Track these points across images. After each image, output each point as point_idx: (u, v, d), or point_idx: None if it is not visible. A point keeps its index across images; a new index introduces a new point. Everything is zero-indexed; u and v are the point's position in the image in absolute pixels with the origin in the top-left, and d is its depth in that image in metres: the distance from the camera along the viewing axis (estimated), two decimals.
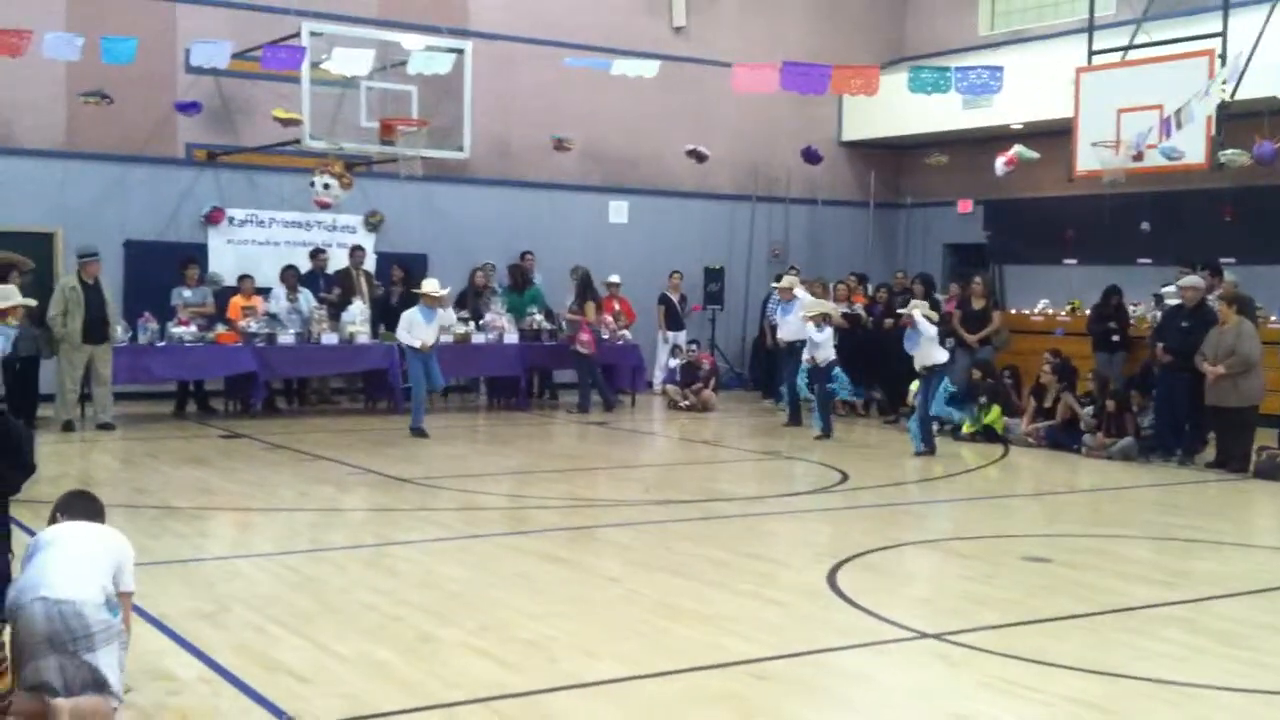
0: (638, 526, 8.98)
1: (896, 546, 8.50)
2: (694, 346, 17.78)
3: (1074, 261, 19.13)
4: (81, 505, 5.23)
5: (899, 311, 14.35)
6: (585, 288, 16.44)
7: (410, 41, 15.37)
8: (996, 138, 18.41)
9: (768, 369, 17.96)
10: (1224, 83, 13.53)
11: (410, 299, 14.61)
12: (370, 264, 17.07)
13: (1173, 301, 13.68)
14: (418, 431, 13.31)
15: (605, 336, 16.85)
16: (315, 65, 14.37)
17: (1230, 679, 5.62)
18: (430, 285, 13.64)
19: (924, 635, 6.21)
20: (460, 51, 15.81)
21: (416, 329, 13.34)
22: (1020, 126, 18.37)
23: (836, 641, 6.13)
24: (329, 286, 16.14)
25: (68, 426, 13.01)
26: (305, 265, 16.42)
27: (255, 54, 14.30)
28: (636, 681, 5.46)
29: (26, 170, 15.54)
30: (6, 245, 13.34)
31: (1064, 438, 13.34)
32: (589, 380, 16.24)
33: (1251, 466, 11.92)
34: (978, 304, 15.38)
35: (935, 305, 14.12)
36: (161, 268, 15.45)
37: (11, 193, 15.29)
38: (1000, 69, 12.88)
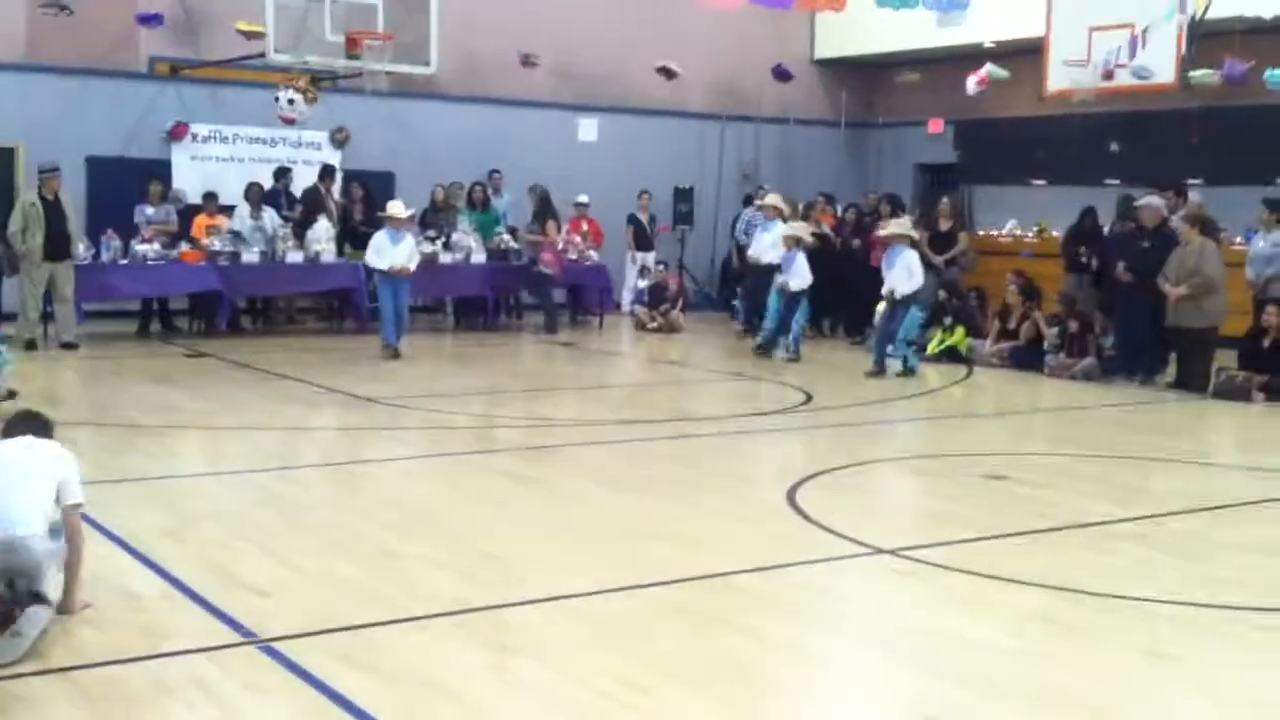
0: (604, 445, 9.02)
1: (858, 465, 8.57)
2: (662, 267, 17.75)
3: (1043, 182, 19.15)
4: (26, 425, 5.17)
5: (880, 233, 14.32)
6: (545, 206, 16.29)
7: None
8: (969, 56, 18.29)
9: (736, 290, 17.96)
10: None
11: (373, 219, 14.49)
12: (338, 184, 16.87)
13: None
14: (389, 349, 13.19)
15: (573, 257, 16.79)
16: None
17: (1184, 593, 5.73)
18: (395, 207, 13.47)
19: (880, 551, 6.30)
20: None
21: (385, 252, 13.23)
22: (993, 45, 18.24)
23: (797, 557, 6.20)
24: (292, 204, 15.98)
25: (30, 345, 12.89)
26: (271, 181, 16.24)
27: None
28: (600, 595, 5.51)
29: None
30: None
31: (1028, 358, 13.44)
32: (553, 300, 16.14)
33: (1211, 386, 12.05)
34: (944, 225, 15.37)
35: None
36: (124, 185, 15.27)
37: None
38: None
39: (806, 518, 6.95)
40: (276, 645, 4.75)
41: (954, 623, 5.27)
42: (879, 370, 12.81)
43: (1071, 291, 14.19)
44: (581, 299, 17.32)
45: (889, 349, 13.03)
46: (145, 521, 6.42)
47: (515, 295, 17.51)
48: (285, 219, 15.58)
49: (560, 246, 16.36)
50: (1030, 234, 18.37)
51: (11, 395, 9.44)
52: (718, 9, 16.94)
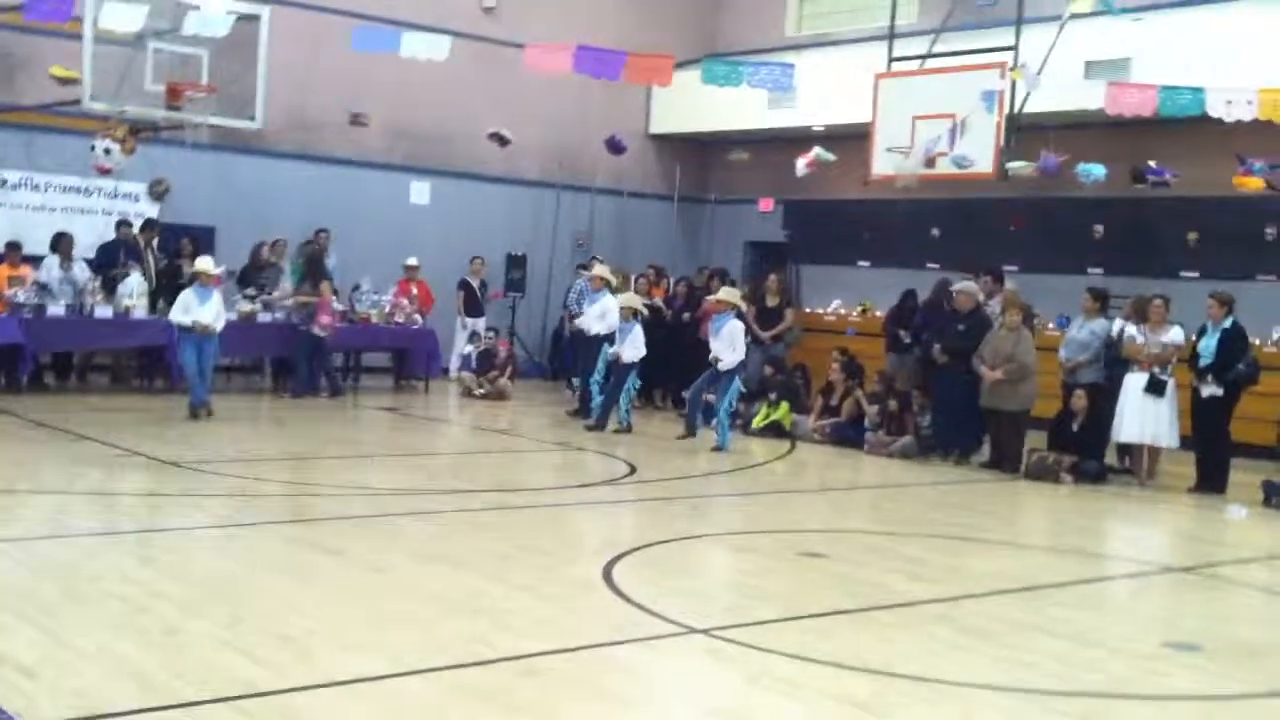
0: (419, 516, 8.75)
1: (676, 540, 8.46)
2: (491, 334, 17.54)
3: (867, 263, 19.59)
4: None
5: (710, 297, 14.39)
6: (316, 266, 15.92)
7: (206, 3, 14.67)
8: (799, 139, 18.68)
9: (567, 358, 17.85)
10: (1015, 79, 13.92)
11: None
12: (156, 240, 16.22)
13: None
14: (197, 406, 12.69)
15: (399, 320, 16.49)
16: (78, 20, 13.49)
17: (989, 676, 5.73)
18: (204, 263, 13.08)
19: (694, 630, 6.17)
20: (255, 18, 15.21)
21: (191, 309, 12.76)
22: (822, 129, 18.69)
23: (607, 636, 6.03)
24: (127, 259, 15.28)
25: None
26: (82, 232, 15.54)
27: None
28: (397, 679, 5.24)
29: None
30: None
31: (850, 434, 13.61)
32: (320, 363, 15.52)
33: (1024, 467, 12.34)
34: (772, 301, 15.56)
35: None
36: None
37: None
38: (792, 66, 13.08)
39: (621, 594, 6.79)
40: None
41: (763, 706, 5.16)
42: (690, 433, 12.98)
43: (891, 370, 14.46)
44: (407, 363, 16.98)
45: (713, 422, 13.06)
46: None
47: (356, 357, 17.06)
48: (125, 273, 14.89)
49: (338, 307, 15.91)
50: (855, 313, 18.75)
51: None
52: (553, 77, 16.91)
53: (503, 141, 18.65)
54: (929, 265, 17.98)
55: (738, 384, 13.04)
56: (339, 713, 4.85)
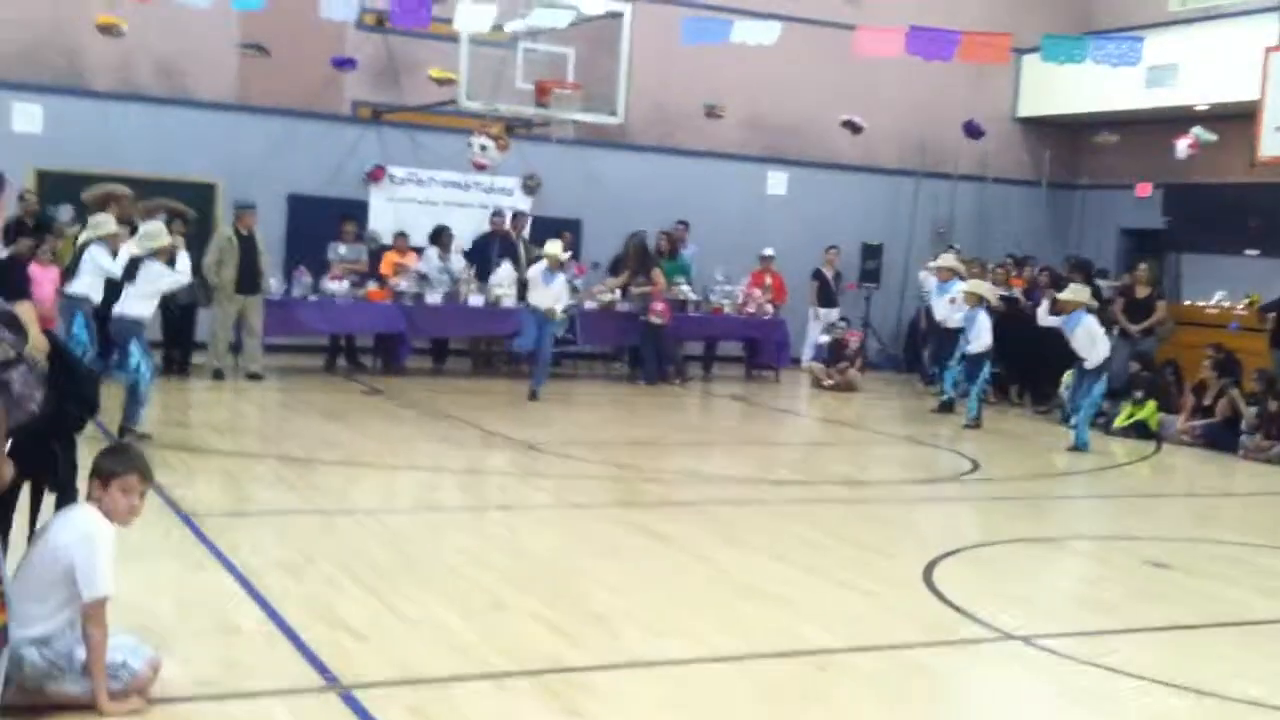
0: (746, 505, 8.83)
1: (1010, 542, 8.14)
2: (843, 324, 17.41)
3: (1256, 252, 18.08)
4: (101, 466, 4.52)
5: (1057, 297, 13.73)
6: (644, 255, 16.07)
7: (578, 3, 15.22)
8: (1180, 119, 17.48)
9: (922, 351, 17.51)
10: None
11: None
12: (528, 229, 17.10)
13: None
14: (531, 395, 13.34)
15: (751, 310, 16.66)
16: (445, 22, 14.31)
17: None
18: (552, 247, 13.58)
19: (1009, 636, 5.92)
20: (618, 15, 15.71)
21: (537, 290, 13.37)
22: (1205, 107, 17.40)
23: (915, 637, 5.88)
24: (504, 253, 16.20)
25: (218, 375, 13.44)
26: (461, 225, 16.60)
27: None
28: (697, 665, 5.33)
29: (196, 121, 16.03)
30: (171, 194, 13.86)
31: (1223, 437, 12.63)
32: (660, 350, 15.72)
33: None
34: (1141, 292, 14.63)
35: (1097, 293, 13.49)
36: (323, 223, 15.79)
37: (180, 143, 15.81)
38: (1141, 40, 12.21)
39: (939, 595, 6.60)
40: (356, 693, 4.72)
41: None
42: (1080, 446, 12.16)
43: (1273, 370, 13.31)
44: (758, 353, 17.13)
45: (1071, 420, 12.44)
46: (266, 555, 6.54)
47: (711, 346, 17.44)
48: (499, 264, 15.80)
49: (693, 296, 16.16)
50: (1240, 306, 17.35)
51: (143, 437, 9.65)
52: (912, 62, 16.52)
53: (855, 129, 18.44)
54: None
55: (1103, 383, 12.29)
56: (634, 693, 4.98)
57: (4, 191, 10.18)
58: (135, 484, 4.46)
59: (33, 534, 4.52)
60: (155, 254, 9.56)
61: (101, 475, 4.43)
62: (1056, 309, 12.93)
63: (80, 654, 4.29)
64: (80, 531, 4.33)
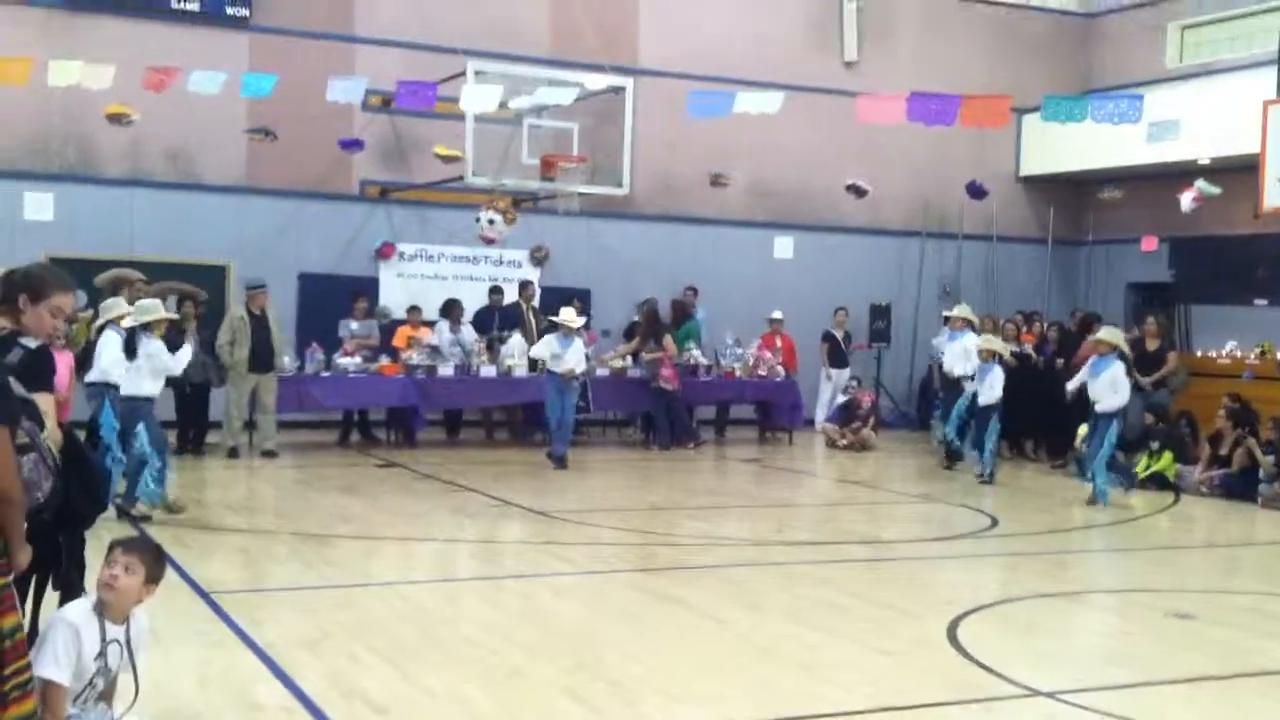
0: (763, 567, 8.79)
1: (1033, 598, 8.08)
2: (854, 384, 17.44)
3: (1264, 302, 18.10)
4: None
5: (1092, 338, 13.66)
6: (655, 322, 16.15)
7: (582, 79, 15.43)
8: (1182, 173, 17.60)
9: (933, 408, 17.46)
10: None
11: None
12: (536, 299, 17.20)
13: None
14: (556, 460, 13.38)
15: (763, 373, 16.71)
16: (451, 100, 14.51)
17: None
18: (566, 314, 13.74)
19: (1038, 693, 5.86)
20: (621, 89, 15.93)
21: (554, 358, 13.48)
22: (1207, 161, 17.52)
23: (941, 696, 5.82)
24: (505, 325, 16.33)
25: (233, 453, 13.48)
26: (471, 299, 16.72)
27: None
28: None
29: (206, 204, 16.25)
30: (183, 276, 14.00)
31: (1241, 487, 12.56)
32: (672, 415, 15.81)
33: None
34: (1151, 344, 14.62)
35: None
36: (334, 300, 15.95)
37: (192, 226, 16.01)
38: (1140, 98, 12.30)
39: (963, 652, 6.55)
40: None
41: None
42: (1127, 483, 12.30)
43: None
44: (770, 415, 17.15)
45: (1088, 474, 12.37)
46: (286, 630, 6.52)
47: (724, 410, 17.51)
48: (498, 337, 15.92)
49: (704, 361, 16.36)
50: (1252, 355, 17.33)
51: (177, 509, 9.73)
52: (914, 126, 16.68)
53: (860, 193, 18.59)
54: None
55: (1115, 428, 12.22)
56: None
57: None
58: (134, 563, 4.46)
59: (33, 628, 4.50)
60: (150, 328, 9.64)
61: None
62: (1084, 353, 12.87)
63: None
64: (57, 614, 4.39)
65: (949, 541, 10.15)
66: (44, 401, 4.47)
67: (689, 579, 8.41)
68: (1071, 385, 12.55)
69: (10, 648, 3.87)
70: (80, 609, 4.38)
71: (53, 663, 4.24)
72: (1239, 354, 17.58)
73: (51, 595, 4.66)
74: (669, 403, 15.74)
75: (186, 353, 10.12)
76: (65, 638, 4.28)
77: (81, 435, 6.41)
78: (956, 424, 13.80)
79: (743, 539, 10.07)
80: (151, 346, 9.63)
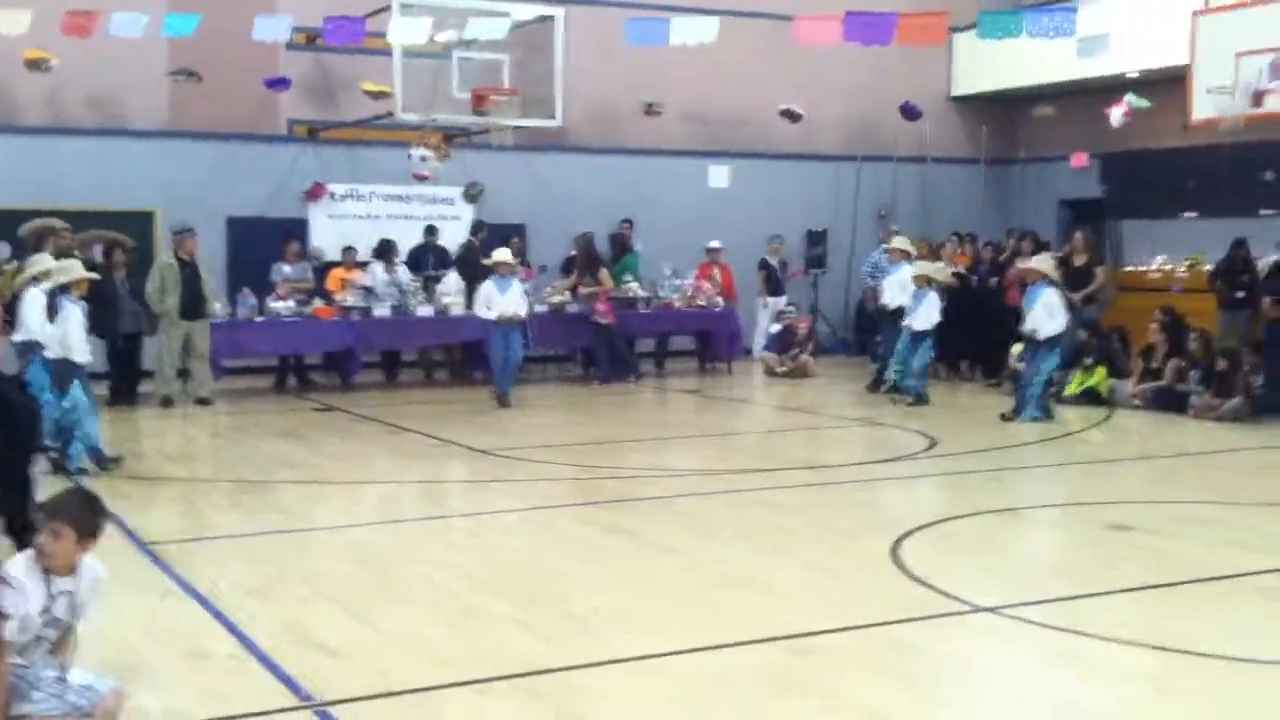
0: (710, 496, 8.83)
1: (973, 515, 8.20)
2: (791, 310, 17.49)
3: (1194, 214, 18.33)
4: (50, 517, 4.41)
5: (1021, 265, 13.80)
6: (590, 255, 16.13)
7: (511, 9, 15.12)
8: (1112, 88, 17.69)
9: (870, 331, 17.58)
10: None
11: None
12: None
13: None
14: (500, 398, 13.35)
15: (702, 303, 16.72)
16: (379, 36, 14.25)
17: None
18: (502, 254, 13.61)
19: (981, 609, 5.96)
20: (549, 18, 15.70)
21: (494, 301, 13.37)
22: (1136, 75, 17.61)
23: (891, 614, 5.89)
24: (442, 262, 16.19)
25: (166, 402, 13.28)
26: (404, 238, 16.53)
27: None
28: (678, 656, 5.32)
29: (130, 150, 15.85)
30: (109, 225, 13.73)
31: (1172, 400, 12.78)
32: (611, 350, 15.80)
33: None
34: (1079, 260, 14.71)
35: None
36: (264, 244, 15.67)
37: (116, 172, 15.61)
38: (1074, 10, 12.34)
39: (907, 572, 6.64)
40: (332, 710, 4.69)
41: (1050, 687, 4.95)
42: (1047, 416, 12.28)
43: (1224, 326, 13.49)
44: (710, 345, 17.18)
45: (1028, 394, 12.52)
46: (231, 578, 6.47)
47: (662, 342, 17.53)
48: (433, 276, 15.79)
49: (642, 294, 16.37)
50: (1182, 268, 17.58)
51: (116, 461, 9.58)
52: (846, 48, 16.59)
53: (794, 118, 18.52)
54: (1262, 212, 16.66)
55: (1055, 357, 12.39)
56: (620, 689, 4.97)
57: None
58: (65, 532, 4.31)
59: None
60: (69, 289, 9.42)
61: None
62: (1012, 277, 12.95)
63: (45, 674, 4.22)
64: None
65: (890, 464, 10.25)
66: None
67: (637, 510, 8.44)
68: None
69: None
70: (21, 564, 4.30)
71: None
72: (1169, 267, 17.83)
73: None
74: (609, 336, 15.71)
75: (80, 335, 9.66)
76: (7, 595, 4.20)
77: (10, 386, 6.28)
78: (902, 360, 13.83)
79: (689, 469, 10.11)
80: (69, 310, 9.38)
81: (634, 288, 16.56)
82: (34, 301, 9.50)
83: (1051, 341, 12.28)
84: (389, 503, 9.03)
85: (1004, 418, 12.29)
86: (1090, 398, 13.41)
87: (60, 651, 4.33)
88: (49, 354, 9.37)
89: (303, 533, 7.79)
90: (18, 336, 9.67)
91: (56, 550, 4.29)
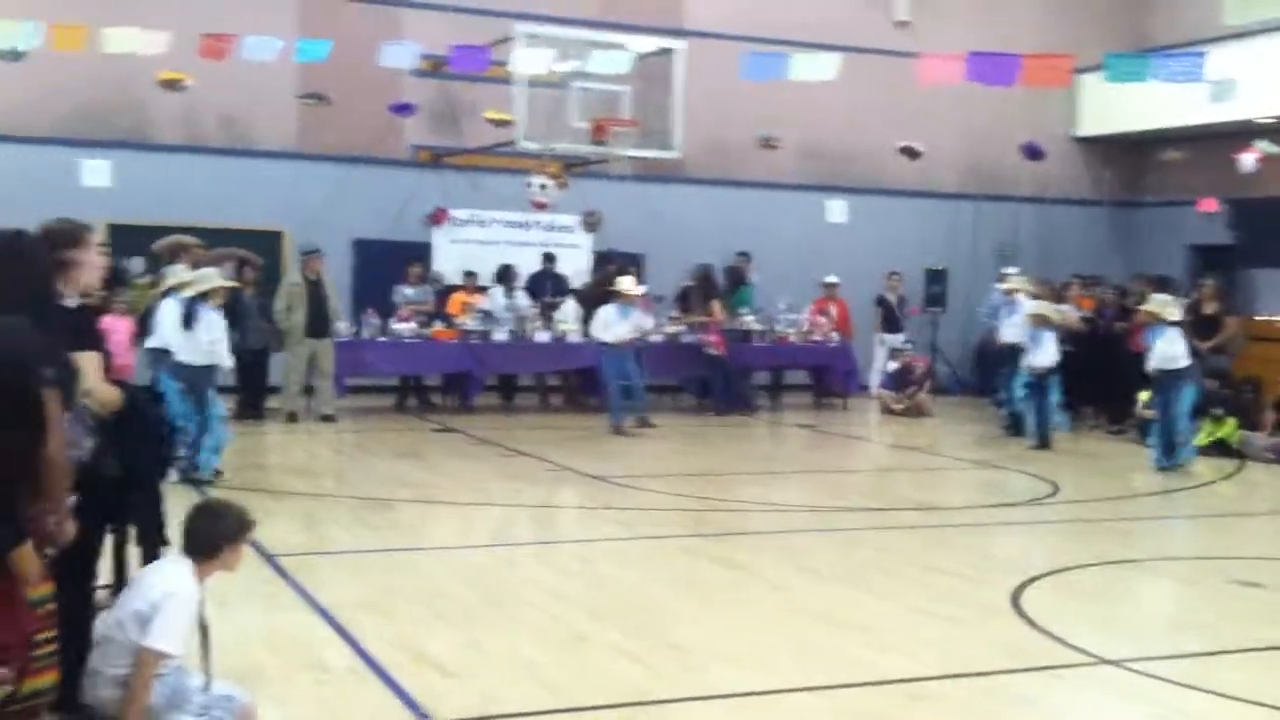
0: (821, 533, 8.76)
1: (1097, 565, 8.00)
2: (908, 348, 17.30)
3: None
4: (190, 527, 4.45)
5: (1138, 308, 13.48)
6: (707, 286, 16.08)
7: (630, 42, 15.31)
8: (1240, 133, 17.27)
9: (990, 373, 17.28)
10: None
11: None
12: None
13: None
14: (616, 429, 13.42)
15: (818, 338, 16.63)
16: (501, 64, 14.47)
17: None
18: (625, 283, 13.72)
19: (1103, 661, 5.81)
20: (670, 51, 15.80)
21: (612, 326, 13.47)
22: (1271, 120, 17.17)
23: (1004, 664, 5.78)
24: (560, 289, 16.35)
25: (291, 418, 13.59)
26: (523, 264, 16.72)
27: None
28: (779, 695, 5.28)
29: (259, 170, 16.33)
30: (238, 243, 14.07)
31: None
32: (725, 381, 15.77)
33: None
34: (1209, 308, 14.35)
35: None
36: (388, 266, 16.00)
37: (245, 192, 16.08)
38: (1202, 55, 12.04)
39: (1028, 620, 6.49)
40: None
41: None
42: (1172, 464, 11.90)
43: None
44: (824, 381, 17.06)
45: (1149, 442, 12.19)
46: (349, 593, 6.57)
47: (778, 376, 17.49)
48: (551, 303, 15.95)
49: (757, 327, 16.31)
50: None
51: (218, 474, 9.80)
52: (968, 86, 16.46)
53: (913, 155, 18.39)
54: None
55: (1193, 391, 11.99)
56: None
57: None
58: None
59: (118, 587, 4.51)
60: (207, 297, 9.69)
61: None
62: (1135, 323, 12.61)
63: (190, 683, 4.28)
64: (169, 586, 4.25)
65: (1009, 508, 10.07)
66: (87, 360, 4.31)
67: (746, 544, 8.40)
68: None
69: (42, 615, 3.70)
70: (189, 579, 4.27)
71: (174, 637, 4.18)
72: None
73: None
74: (723, 368, 15.70)
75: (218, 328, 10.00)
76: (188, 612, 4.23)
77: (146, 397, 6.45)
78: (1021, 398, 13.58)
79: (801, 505, 10.04)
80: (209, 318, 9.68)
81: (749, 320, 16.53)
82: (169, 310, 9.78)
83: (1181, 375, 11.89)
84: (503, 525, 9.11)
85: (1161, 468, 11.88)
86: (1220, 449, 13.01)
87: (204, 658, 4.36)
88: (182, 358, 9.63)
89: (419, 551, 7.89)
90: (150, 343, 9.97)
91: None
